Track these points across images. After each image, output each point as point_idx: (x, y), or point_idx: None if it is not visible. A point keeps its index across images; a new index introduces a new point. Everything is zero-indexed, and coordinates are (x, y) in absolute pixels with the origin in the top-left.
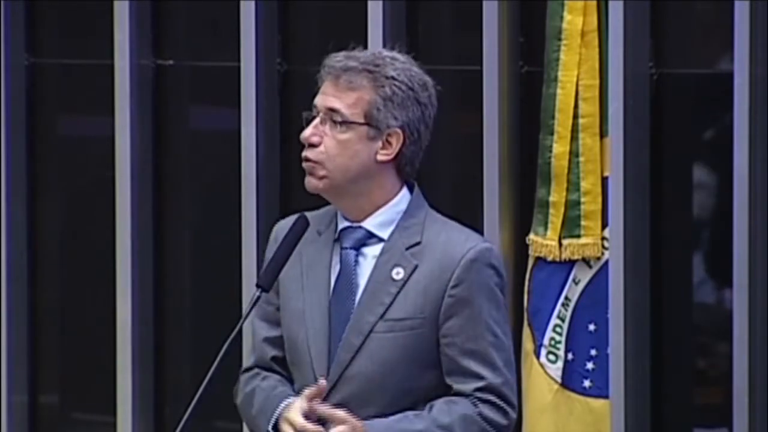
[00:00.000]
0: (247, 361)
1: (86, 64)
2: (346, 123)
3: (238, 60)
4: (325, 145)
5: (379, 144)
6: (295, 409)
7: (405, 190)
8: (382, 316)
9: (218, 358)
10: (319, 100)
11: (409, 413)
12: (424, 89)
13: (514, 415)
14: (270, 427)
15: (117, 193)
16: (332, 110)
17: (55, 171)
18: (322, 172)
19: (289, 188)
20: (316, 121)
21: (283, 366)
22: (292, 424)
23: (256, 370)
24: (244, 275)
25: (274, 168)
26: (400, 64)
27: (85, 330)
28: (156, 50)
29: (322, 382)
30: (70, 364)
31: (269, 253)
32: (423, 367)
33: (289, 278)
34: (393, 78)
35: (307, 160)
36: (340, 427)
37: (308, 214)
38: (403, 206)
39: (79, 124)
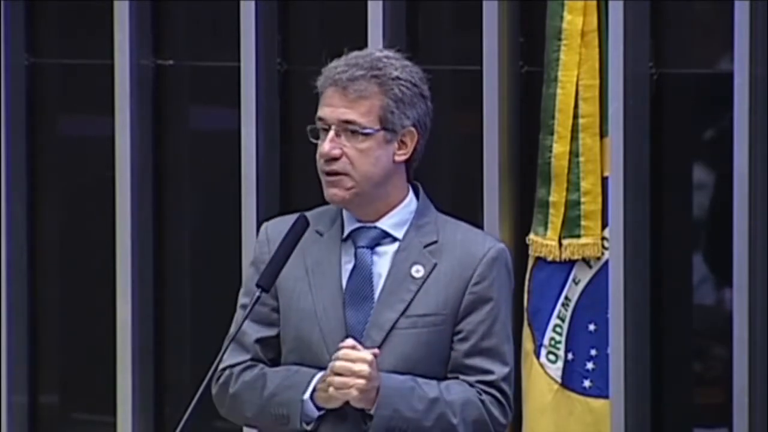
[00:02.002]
0: (228, 358)
1: (86, 64)
2: (364, 131)
3: (238, 60)
4: (348, 156)
5: (396, 145)
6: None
7: (411, 191)
8: (403, 313)
9: (218, 359)
10: (329, 113)
11: (419, 378)
12: (423, 82)
13: (511, 415)
14: (307, 396)
15: (117, 193)
16: (348, 122)
17: (55, 171)
18: (349, 184)
19: (289, 188)
20: (332, 134)
21: (275, 366)
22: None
23: (251, 363)
24: (244, 275)
25: (274, 168)
26: (398, 62)
27: (85, 330)
28: (156, 50)
29: (376, 350)
30: (70, 364)
31: (260, 254)
32: (442, 362)
33: (293, 278)
34: (398, 78)
35: (332, 173)
36: (363, 366)
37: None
38: (414, 206)
39: (79, 124)
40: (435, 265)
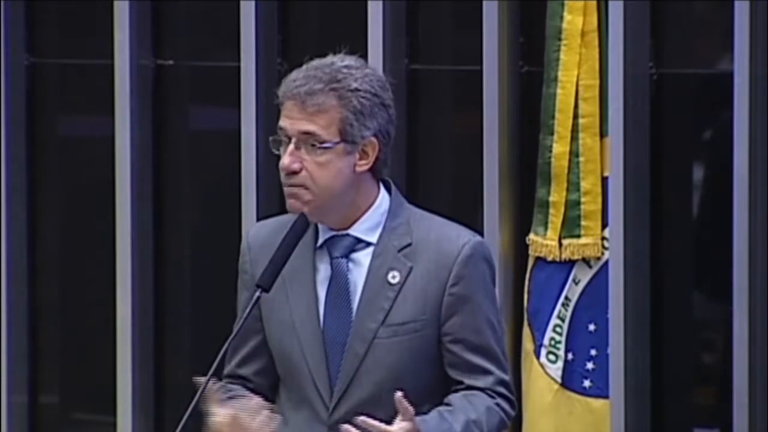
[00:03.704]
0: (227, 366)
1: (86, 64)
2: (323, 146)
3: (238, 60)
4: (307, 169)
5: (357, 156)
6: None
7: (383, 190)
8: (383, 322)
9: (218, 358)
10: (288, 125)
11: (442, 410)
12: (385, 90)
13: (516, 403)
14: None
15: (117, 193)
16: (307, 134)
17: (55, 171)
18: (307, 197)
19: None
20: (291, 147)
21: (258, 374)
22: None
23: (226, 380)
24: None
25: (274, 168)
26: (358, 72)
27: (85, 330)
28: (156, 50)
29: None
30: (70, 364)
31: (242, 263)
32: (428, 365)
33: (272, 288)
34: (357, 90)
35: (291, 185)
36: (403, 424)
37: (276, 222)
38: (385, 206)
39: (79, 124)
40: (411, 269)
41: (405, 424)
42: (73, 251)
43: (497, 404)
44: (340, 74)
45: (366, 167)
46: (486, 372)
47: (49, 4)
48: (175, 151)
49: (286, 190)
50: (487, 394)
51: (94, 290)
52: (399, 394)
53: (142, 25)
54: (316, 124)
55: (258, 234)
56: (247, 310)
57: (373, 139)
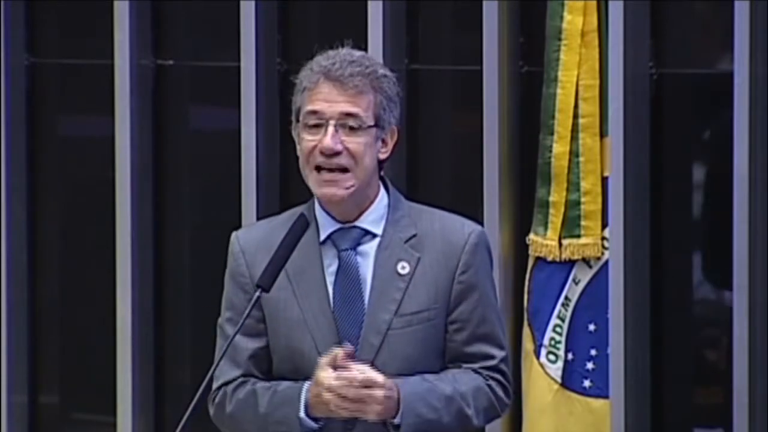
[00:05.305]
0: (222, 374)
1: (86, 64)
2: (362, 127)
3: (238, 60)
4: (350, 150)
5: (380, 143)
6: (324, 377)
7: (381, 184)
8: (396, 312)
9: (218, 359)
10: (327, 107)
11: (427, 375)
12: (398, 80)
13: (511, 392)
14: (303, 414)
15: (117, 193)
16: (349, 115)
17: (55, 171)
18: (350, 182)
19: (288, 188)
20: (332, 129)
21: (268, 378)
22: (330, 384)
23: (243, 379)
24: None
25: (274, 167)
26: (377, 61)
27: (85, 330)
28: (156, 50)
29: (349, 347)
30: (70, 364)
31: (236, 266)
32: (438, 358)
33: (276, 287)
34: (385, 76)
35: (334, 170)
36: (379, 391)
37: (267, 224)
38: (386, 200)
39: (79, 124)
40: (419, 259)
41: (379, 377)
42: (73, 251)
43: (489, 386)
44: (367, 61)
45: (386, 155)
46: (485, 357)
47: (49, 4)
48: (175, 151)
49: (322, 176)
50: (482, 376)
51: (94, 290)
52: (348, 347)
53: (142, 25)
54: (357, 105)
55: (249, 237)
56: (247, 311)
57: (395, 127)
